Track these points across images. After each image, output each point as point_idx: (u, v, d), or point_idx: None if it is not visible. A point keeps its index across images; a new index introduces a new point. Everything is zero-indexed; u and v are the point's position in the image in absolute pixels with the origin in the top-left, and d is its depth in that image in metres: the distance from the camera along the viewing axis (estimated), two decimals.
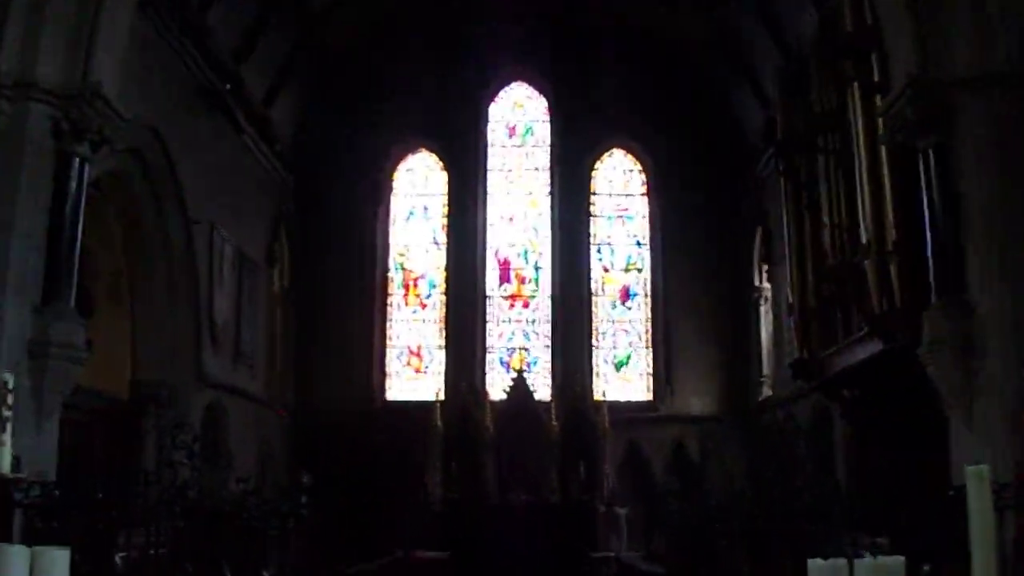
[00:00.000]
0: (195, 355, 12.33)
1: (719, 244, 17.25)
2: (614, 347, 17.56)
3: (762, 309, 16.44)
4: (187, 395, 12.01)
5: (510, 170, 18.26)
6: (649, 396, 17.34)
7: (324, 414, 16.29)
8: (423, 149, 18.13)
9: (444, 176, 18.09)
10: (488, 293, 17.73)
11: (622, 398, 17.07)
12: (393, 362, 17.50)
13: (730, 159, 16.86)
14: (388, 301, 17.65)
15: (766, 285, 16.28)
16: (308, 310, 16.91)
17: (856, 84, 9.66)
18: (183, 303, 12.15)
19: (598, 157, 18.10)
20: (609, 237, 17.95)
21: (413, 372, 17.48)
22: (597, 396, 16.58)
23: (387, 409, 16.88)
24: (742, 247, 16.88)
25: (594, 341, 17.49)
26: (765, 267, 16.06)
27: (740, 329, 16.87)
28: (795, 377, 12.05)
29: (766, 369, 16.13)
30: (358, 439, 15.94)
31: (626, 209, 18.07)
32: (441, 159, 18.07)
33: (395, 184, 18.09)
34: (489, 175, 18.12)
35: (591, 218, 17.94)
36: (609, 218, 18.00)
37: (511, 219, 18.08)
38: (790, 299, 12.44)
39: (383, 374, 17.37)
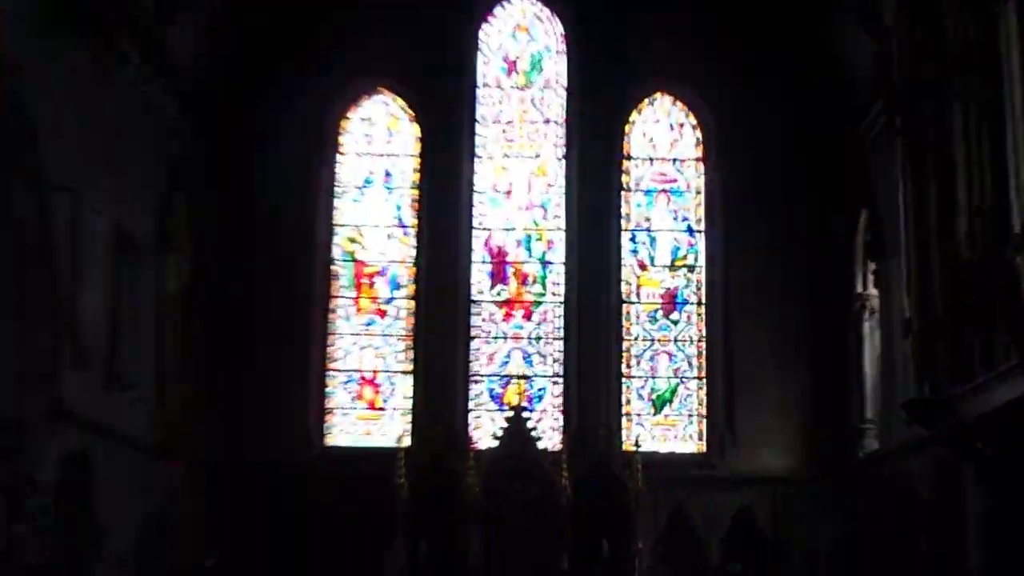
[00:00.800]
0: (50, 379, 12.09)
1: (806, 233, 17.23)
2: (653, 377, 17.52)
3: (866, 326, 16.36)
4: (37, 437, 11.75)
5: (509, 123, 18.22)
6: (702, 447, 17.32)
7: (241, 466, 16.36)
8: (384, 91, 18.09)
9: (414, 130, 18.03)
10: (475, 297, 17.70)
11: (663, 449, 17.10)
12: (338, 393, 17.48)
13: (825, 113, 16.88)
14: (332, 306, 17.61)
15: (872, 292, 16.24)
16: (219, 317, 16.85)
17: (1010, 2, 9.53)
18: (32, 304, 11.89)
19: (636, 106, 18.08)
20: (648, 221, 17.94)
21: (366, 408, 17.43)
22: (628, 446, 16.57)
23: (329, 459, 16.97)
24: (839, 238, 16.88)
25: (625, 368, 17.43)
26: (871, 266, 16.01)
27: (834, 354, 16.87)
28: (911, 422, 12.18)
29: (870, 411, 16.07)
30: (289, 502, 16.11)
31: (673, 181, 18.05)
32: (410, 105, 18.03)
33: (344, 140, 18.02)
34: (479, 130, 18.08)
35: (623, 193, 17.89)
36: (649, 193, 18.00)
37: (509, 193, 18.03)
38: (907, 312, 12.61)
39: (323, 410, 17.32)
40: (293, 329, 17.20)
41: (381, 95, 18.09)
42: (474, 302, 17.65)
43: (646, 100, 18.11)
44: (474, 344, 17.54)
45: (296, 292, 17.30)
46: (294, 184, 17.45)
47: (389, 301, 17.67)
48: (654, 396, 17.46)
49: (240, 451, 16.44)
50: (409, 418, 17.14)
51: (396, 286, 17.71)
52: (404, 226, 17.82)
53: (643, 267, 17.80)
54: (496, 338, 17.64)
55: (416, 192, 17.85)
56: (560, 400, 17.39)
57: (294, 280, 17.31)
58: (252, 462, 16.35)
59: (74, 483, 12.58)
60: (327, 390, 17.39)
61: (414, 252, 17.69)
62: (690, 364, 17.54)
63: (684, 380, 17.52)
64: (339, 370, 17.48)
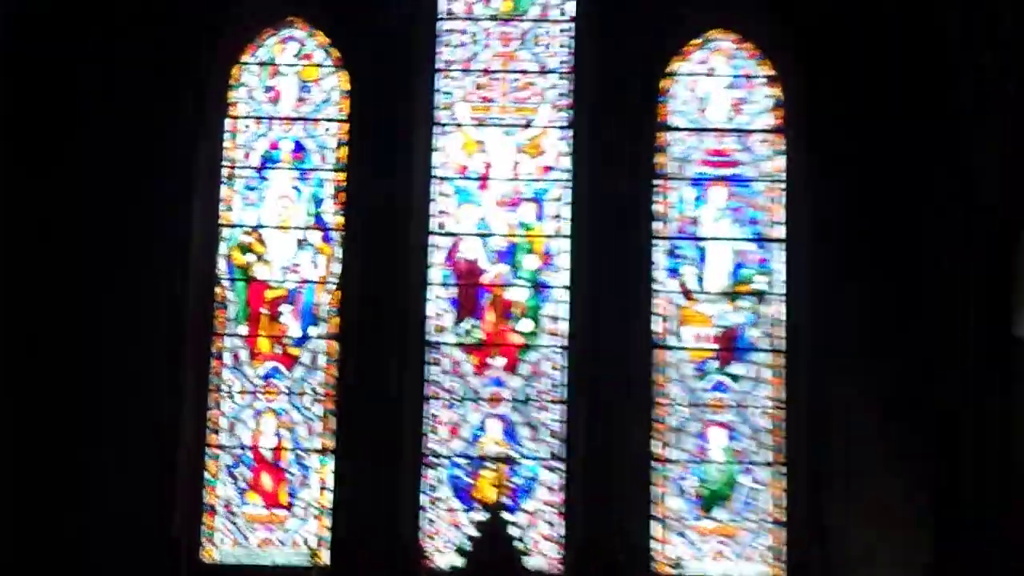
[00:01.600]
0: None
1: (941, 246, 16.69)
2: (701, 462, 17.05)
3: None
4: None
5: (485, 72, 17.90)
6: (776, 570, 16.87)
7: None
8: (296, 21, 17.89)
9: (341, 80, 17.80)
10: (432, 338, 17.39)
11: (717, 572, 16.92)
12: (223, 482, 17.10)
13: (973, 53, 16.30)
14: (215, 349, 17.24)
15: None
16: (38, 358, 16.56)
17: None
18: None
19: (677, 50, 17.80)
20: (696, 224, 17.52)
21: (263, 504, 17.02)
22: (661, 567, 16.70)
23: None
24: (994, 253, 16.11)
25: (658, 447, 17.04)
26: None
27: (983, 431, 16.07)
28: None
29: None
30: None
31: (736, 164, 17.65)
32: (335, 43, 17.81)
33: (234, 97, 17.75)
34: (439, 82, 17.85)
35: (659, 182, 17.52)
36: (699, 183, 17.60)
37: (484, 180, 17.66)
38: None
39: (198, 509, 16.97)
40: (152, 385, 16.67)
41: (291, 28, 17.85)
42: (430, 345, 17.36)
43: (694, 42, 17.74)
44: (429, 408, 17.19)
45: (156, 328, 16.84)
46: (156, 166, 17.03)
47: (301, 342, 17.31)
48: (703, 491, 17.00)
49: (74, 568, 16.32)
50: (328, 522, 16.82)
51: (312, 320, 17.37)
52: (325, 227, 17.48)
53: (687, 294, 17.36)
54: (463, 400, 17.19)
55: (343, 176, 17.46)
56: (560, 497, 16.95)
57: (154, 309, 16.88)
58: None
59: None
60: (205, 478, 16.95)
61: (339, 268, 17.20)
62: (758, 443, 17.05)
63: (750, 468, 16.97)
64: (223, 447, 17.17)
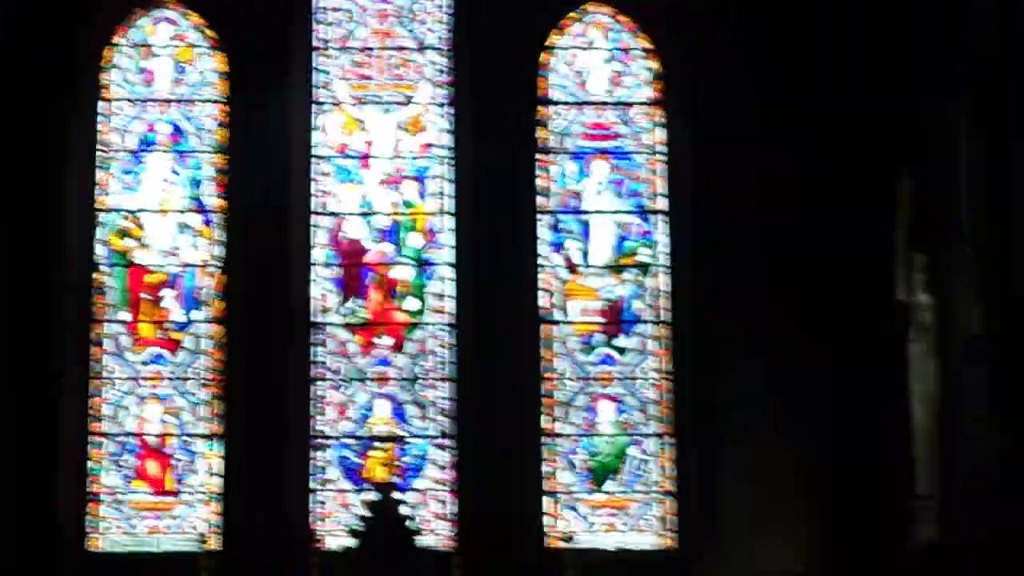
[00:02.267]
0: None
1: (818, 213, 16.85)
2: (590, 435, 17.15)
3: (912, 350, 15.91)
4: None
5: (365, 50, 17.93)
6: (668, 540, 17.00)
7: None
8: (168, 2, 17.85)
9: (217, 62, 17.72)
10: (316, 319, 17.35)
11: (609, 545, 16.96)
12: (107, 470, 16.96)
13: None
14: (94, 336, 17.12)
15: (922, 299, 15.77)
16: None
17: None
18: None
19: (557, 22, 17.86)
20: (579, 198, 17.68)
21: (150, 493, 16.91)
22: (553, 540, 16.78)
23: (94, 573, 16.88)
24: (868, 219, 16.50)
25: (547, 421, 17.08)
26: (921, 259, 15.58)
27: (864, 395, 16.49)
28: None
29: (922, 481, 15.56)
30: None
31: (616, 136, 17.74)
32: (211, 24, 17.74)
33: (107, 79, 17.59)
34: (318, 60, 17.82)
35: (540, 156, 17.63)
36: (580, 157, 17.74)
37: (366, 159, 17.72)
38: (975, 327, 13.02)
39: (82, 497, 16.80)
40: (33, 373, 16.55)
41: (163, 9, 17.72)
42: (315, 325, 17.31)
43: (573, 12, 17.80)
44: (316, 390, 17.18)
45: (35, 315, 16.68)
46: (30, 151, 16.81)
47: (184, 327, 17.24)
48: (593, 464, 17.07)
49: None
50: (218, 507, 16.75)
51: (194, 304, 17.30)
52: (205, 210, 17.38)
53: (572, 268, 17.49)
54: (350, 380, 17.22)
55: (222, 158, 17.42)
56: (450, 474, 17.01)
57: (32, 296, 16.68)
58: None
59: None
60: (89, 466, 16.79)
61: (221, 251, 17.18)
62: (646, 415, 17.16)
63: (638, 440, 17.09)
64: (107, 434, 16.95)
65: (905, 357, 16.02)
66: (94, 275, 17.06)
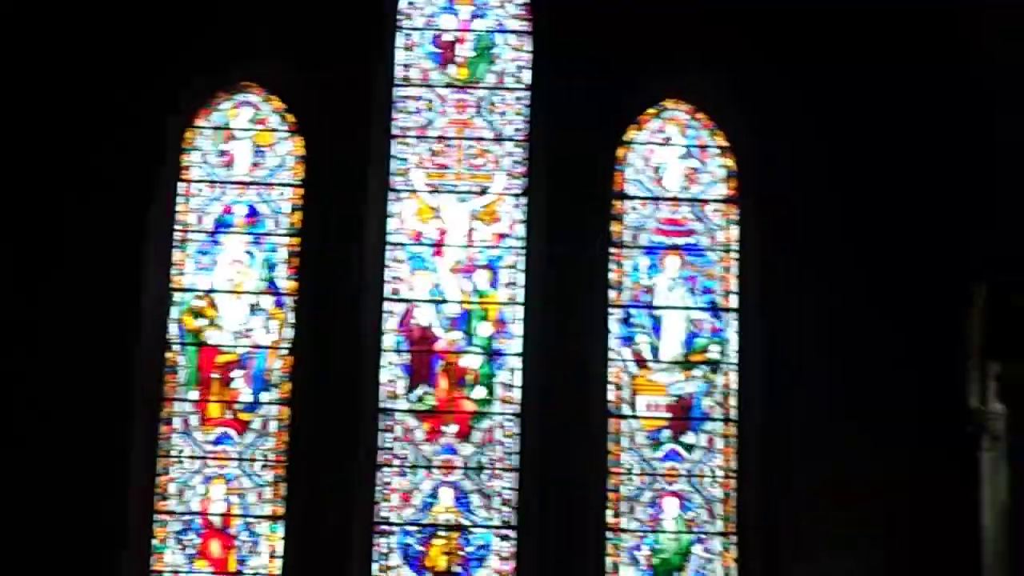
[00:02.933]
0: None
1: (893, 317, 16.76)
2: (655, 532, 16.96)
3: (984, 459, 15.71)
4: None
5: (440, 139, 17.82)
6: None
7: None
8: (250, 86, 17.76)
9: (295, 146, 17.68)
10: (384, 404, 17.15)
11: None
12: (171, 549, 16.86)
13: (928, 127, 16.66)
14: (165, 414, 17.04)
15: (996, 408, 15.43)
16: None
17: None
18: None
19: (635, 118, 17.76)
20: (651, 293, 17.53)
21: (211, 573, 16.83)
22: None
23: None
24: (944, 325, 16.36)
25: (611, 516, 16.90)
26: (994, 367, 15.29)
27: (935, 505, 16.23)
28: None
29: None
30: None
31: (690, 233, 17.61)
32: (289, 108, 17.69)
33: (187, 161, 17.63)
34: (395, 148, 17.71)
35: (614, 250, 17.53)
36: (653, 252, 17.58)
37: (439, 247, 17.60)
38: None
39: (147, 574, 16.74)
40: (101, 450, 16.45)
41: (246, 93, 17.76)
42: (383, 411, 17.08)
43: (651, 109, 17.74)
44: (382, 476, 16.97)
45: (106, 392, 16.60)
46: (108, 230, 16.88)
47: (252, 408, 17.08)
48: (656, 561, 16.85)
49: None
50: None
51: (264, 385, 17.14)
52: (278, 293, 17.28)
53: (642, 363, 17.27)
54: (415, 467, 17.02)
55: (296, 241, 17.34)
56: (512, 565, 16.79)
57: (103, 374, 16.62)
58: None
59: None
60: (153, 544, 16.72)
61: (292, 333, 17.12)
62: (712, 514, 16.95)
63: (703, 538, 16.89)
64: (172, 511, 16.83)
65: (977, 466, 15.81)
66: (167, 354, 17.00)
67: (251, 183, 17.50)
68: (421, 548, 16.76)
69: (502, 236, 17.44)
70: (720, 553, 16.76)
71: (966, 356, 15.95)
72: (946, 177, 16.61)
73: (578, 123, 17.30)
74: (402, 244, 17.36)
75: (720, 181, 17.58)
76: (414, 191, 17.54)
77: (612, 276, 17.27)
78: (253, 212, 17.42)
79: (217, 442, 16.90)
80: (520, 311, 17.19)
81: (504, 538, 16.78)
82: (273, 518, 16.67)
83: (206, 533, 16.75)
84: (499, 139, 17.68)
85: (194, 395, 16.99)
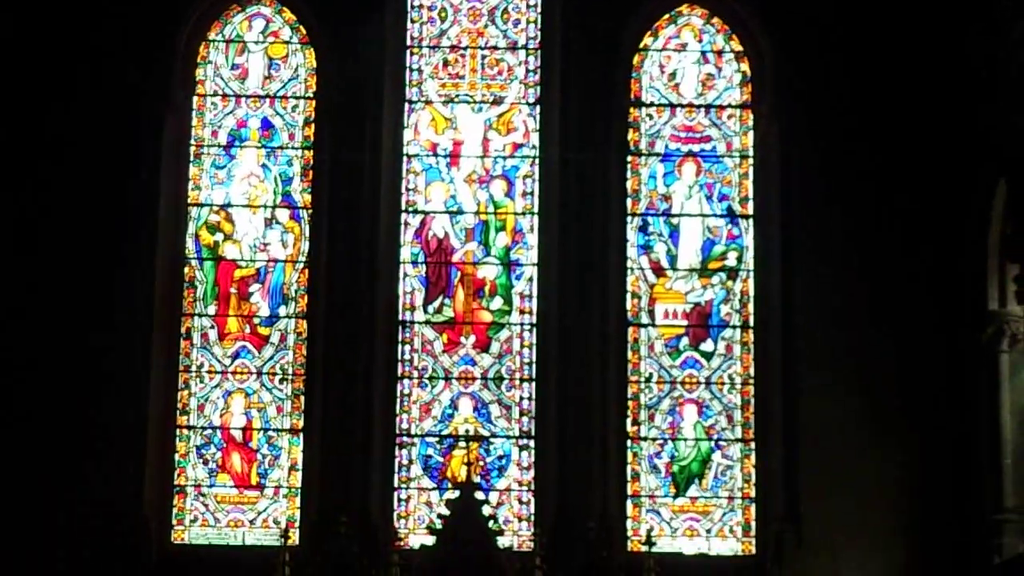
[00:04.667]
0: None
1: (909, 221, 16.81)
2: (673, 439, 17.06)
3: (1004, 361, 15.81)
4: None
5: (454, 48, 17.86)
6: (749, 547, 16.88)
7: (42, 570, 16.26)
8: None
9: (308, 58, 17.78)
10: (403, 317, 17.30)
11: (690, 550, 16.93)
12: (193, 464, 17.05)
13: (937, 33, 16.56)
14: (183, 330, 17.22)
15: (1015, 310, 15.68)
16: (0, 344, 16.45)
17: None
18: None
19: (649, 24, 17.84)
20: (668, 200, 17.57)
21: (234, 487, 16.96)
22: (635, 544, 16.64)
23: (178, 565, 16.81)
24: (962, 228, 16.38)
25: (631, 425, 17.02)
26: (1013, 271, 15.49)
27: (953, 406, 16.44)
28: None
29: (1011, 495, 15.46)
30: None
31: (707, 139, 17.67)
32: (301, 20, 17.92)
33: (201, 75, 17.75)
34: (409, 59, 17.77)
35: (630, 158, 17.53)
36: (669, 159, 17.59)
37: (455, 158, 17.64)
38: None
39: (168, 490, 16.92)
40: (118, 366, 16.63)
41: (258, 5, 17.92)
42: (402, 324, 17.34)
43: (666, 16, 17.73)
44: (401, 388, 17.12)
45: (122, 308, 16.77)
46: (124, 146, 16.91)
47: (270, 321, 17.23)
48: (676, 468, 16.98)
49: (40, 546, 16.14)
50: (298, 501, 16.86)
51: (281, 299, 17.33)
52: (294, 206, 17.50)
53: (659, 272, 17.38)
54: (434, 379, 17.20)
55: (311, 154, 17.45)
56: (531, 474, 16.96)
57: (122, 289, 16.78)
58: (61, 561, 16.16)
59: None
60: (175, 459, 16.88)
61: (308, 246, 17.21)
62: (731, 420, 17.07)
63: (722, 445, 17.01)
64: (192, 427, 16.99)
65: (996, 368, 15.87)
66: (184, 269, 17.10)
67: (264, 96, 17.56)
68: (441, 459, 16.90)
69: (517, 146, 17.48)
70: (739, 459, 16.85)
71: (985, 259, 15.96)
72: (965, 83, 16.38)
73: (592, 31, 17.26)
74: (417, 155, 17.42)
75: (736, 86, 17.58)
76: (428, 101, 17.58)
77: (629, 183, 17.29)
78: (267, 125, 17.47)
79: (236, 356, 17.01)
80: (536, 221, 17.23)
81: (524, 449, 16.90)
82: (293, 431, 16.83)
83: (227, 447, 16.90)
84: (513, 48, 17.66)
85: (212, 310, 17.11)
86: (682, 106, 17.64)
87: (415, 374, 17.17)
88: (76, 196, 16.82)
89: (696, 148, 17.51)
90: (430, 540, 15.70)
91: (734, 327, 17.22)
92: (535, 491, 16.86)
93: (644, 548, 15.67)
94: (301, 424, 16.92)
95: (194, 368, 17.11)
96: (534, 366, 17.09)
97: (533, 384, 17.06)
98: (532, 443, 16.99)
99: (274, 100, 17.64)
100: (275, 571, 15.08)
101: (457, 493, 15.87)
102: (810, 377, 16.77)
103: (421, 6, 17.83)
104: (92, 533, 16.15)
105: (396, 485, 16.95)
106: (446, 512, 15.71)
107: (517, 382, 17.13)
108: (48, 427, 16.34)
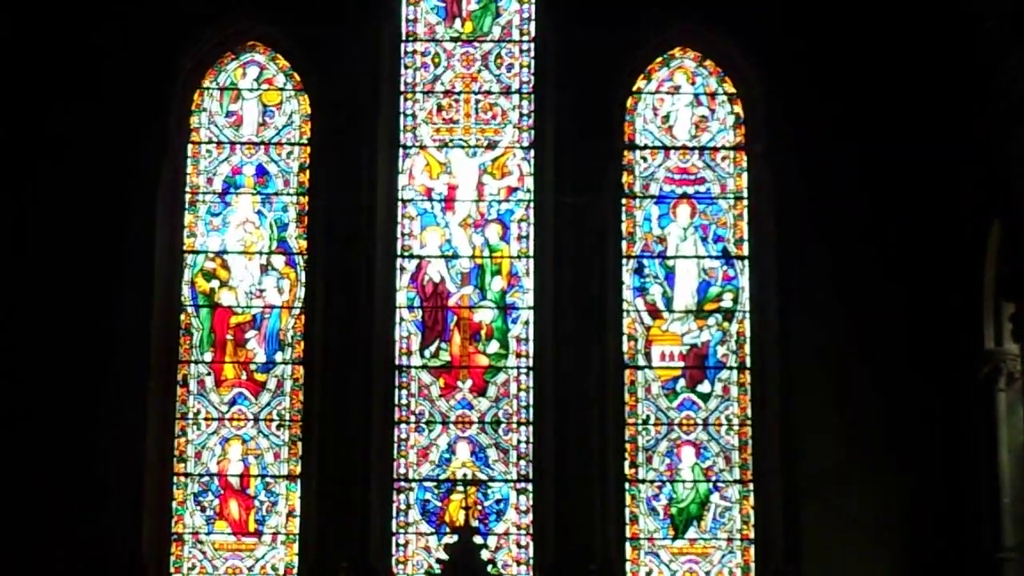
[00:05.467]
0: None
1: (905, 261, 16.77)
2: (672, 481, 16.96)
3: (1001, 400, 15.79)
4: None
5: (448, 93, 17.85)
6: None
7: None
8: (257, 45, 17.88)
9: (302, 104, 17.77)
10: (400, 361, 17.21)
11: None
12: (190, 511, 16.96)
13: (936, 69, 16.53)
14: (180, 377, 17.14)
15: (1010, 348, 15.59)
16: None
17: None
18: None
19: (643, 67, 17.77)
20: (663, 243, 17.53)
21: (230, 533, 16.83)
22: None
23: None
24: (958, 268, 16.37)
25: (629, 467, 16.95)
26: (1010, 310, 15.18)
27: (950, 446, 16.38)
28: None
29: (1010, 534, 15.42)
30: None
31: (701, 181, 17.60)
32: (295, 67, 17.82)
33: (196, 122, 17.67)
34: (403, 104, 17.78)
35: (625, 200, 17.51)
36: (664, 202, 17.56)
37: (449, 203, 17.62)
38: None
39: (166, 536, 16.80)
40: (117, 412, 16.54)
41: (252, 52, 17.86)
42: (399, 368, 17.19)
43: (659, 59, 17.71)
44: (399, 433, 17.01)
45: (121, 355, 16.68)
46: (119, 194, 16.92)
47: (267, 368, 17.15)
48: (674, 511, 16.86)
49: None
50: (297, 548, 16.74)
51: (278, 345, 17.24)
52: (289, 252, 17.40)
53: (655, 314, 17.29)
54: (431, 423, 17.05)
55: (306, 200, 17.42)
56: (529, 518, 16.83)
57: (118, 337, 16.73)
58: None
59: None
60: (171, 505, 16.78)
61: (304, 292, 17.16)
62: (729, 462, 16.96)
63: (720, 487, 16.91)
64: (189, 475, 16.93)
65: (994, 406, 15.81)
66: (180, 316, 17.03)
67: (259, 143, 17.51)
68: (439, 503, 16.77)
69: (512, 190, 17.42)
70: (738, 501, 16.76)
71: (981, 298, 15.92)
72: (959, 126, 16.28)
73: (585, 74, 17.23)
74: (412, 200, 17.35)
75: (729, 128, 17.53)
76: (423, 147, 17.53)
77: (625, 226, 17.24)
78: (262, 172, 17.41)
79: (233, 403, 16.91)
80: (532, 264, 17.17)
81: (522, 493, 16.78)
82: (291, 477, 16.71)
83: (224, 494, 16.78)
84: (507, 92, 17.64)
85: (208, 357, 17.02)
86: (676, 148, 17.53)
87: (412, 419, 16.99)
88: (71, 248, 16.67)
89: (690, 190, 17.42)
90: None
91: (731, 368, 17.08)
92: (533, 534, 16.66)
93: None
94: (299, 470, 16.74)
95: (191, 415, 16.93)
96: (531, 409, 16.94)
97: (530, 427, 16.91)
98: (530, 486, 16.79)
99: (268, 147, 17.51)
100: None
101: (456, 538, 15.80)
102: (808, 417, 16.65)
103: (415, 52, 17.75)
104: None
105: (394, 530, 16.71)
106: (444, 557, 15.68)
107: (515, 425, 16.98)
108: (45, 474, 16.12)
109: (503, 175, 17.49)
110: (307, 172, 17.38)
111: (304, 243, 17.22)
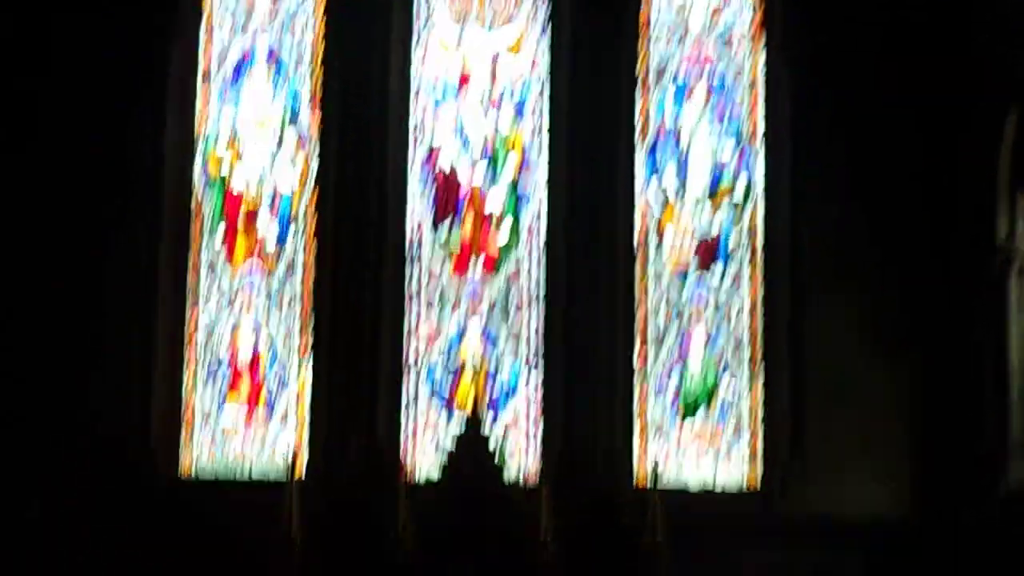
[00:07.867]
0: None
1: (918, 150, 16.77)
2: (680, 366, 17.01)
3: (1011, 291, 15.81)
4: None
5: None
6: (754, 477, 16.96)
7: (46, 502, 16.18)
8: None
9: None
10: (411, 239, 17.29)
11: (696, 480, 16.93)
12: (201, 391, 17.08)
13: None
14: (193, 257, 17.22)
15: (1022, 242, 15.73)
16: (9, 275, 16.47)
17: None
18: None
19: None
20: (677, 129, 17.48)
21: (240, 413, 17.04)
22: (642, 475, 16.52)
23: (183, 493, 16.83)
24: (970, 157, 16.30)
25: (638, 353, 17.05)
26: (1022, 199, 15.54)
27: (959, 337, 16.40)
28: None
29: (1017, 425, 15.56)
30: (117, 555, 15.88)
31: (715, 67, 17.57)
32: None
33: (207, 3, 17.59)
34: None
35: (639, 85, 17.48)
36: (679, 88, 17.50)
37: (463, 83, 17.57)
38: None
39: (175, 418, 16.96)
40: (127, 294, 16.69)
41: None
42: (411, 246, 17.25)
43: None
44: (410, 312, 17.15)
45: (130, 238, 16.77)
46: (130, 75, 16.83)
47: (279, 245, 17.23)
48: (682, 396, 17.02)
49: (41, 474, 16.14)
50: (306, 430, 16.80)
51: (289, 224, 17.26)
52: (300, 133, 17.36)
53: (668, 200, 17.25)
54: (442, 303, 17.23)
55: (318, 77, 17.37)
56: (539, 403, 16.96)
57: (128, 218, 16.78)
58: (73, 490, 16.13)
59: None
60: (183, 386, 16.96)
61: (316, 174, 17.21)
62: (738, 348, 17.08)
63: (728, 372, 17.06)
64: (200, 355, 17.06)
65: (1004, 298, 15.89)
66: (190, 196, 17.09)
67: (271, 23, 17.38)
68: (450, 385, 16.95)
69: (527, 71, 17.38)
70: (747, 387, 16.93)
71: (994, 189, 15.95)
72: (980, 11, 16.26)
73: None
74: (425, 81, 17.33)
75: (747, 15, 17.46)
76: (436, 26, 17.47)
77: (639, 111, 17.25)
78: (273, 57, 17.37)
79: (244, 280, 17.04)
80: (546, 148, 17.22)
81: (532, 377, 16.94)
82: (301, 357, 16.86)
83: (234, 375, 16.98)
84: None
85: (219, 238, 17.13)
86: (692, 32, 17.45)
87: (422, 300, 17.09)
88: (84, 126, 16.59)
89: (708, 78, 17.39)
90: (437, 471, 15.88)
91: (742, 255, 17.15)
92: (542, 419, 16.77)
93: (650, 478, 15.60)
94: (311, 346, 16.84)
95: (203, 293, 17.04)
96: (542, 294, 17.02)
97: (541, 311, 17.00)
98: (540, 369, 16.90)
99: (281, 26, 17.39)
100: (283, 502, 14.94)
101: (464, 424, 15.91)
102: (817, 305, 16.74)
103: None
104: (104, 462, 16.13)
105: (403, 412, 16.83)
106: (452, 448, 15.76)
107: (526, 309, 17.06)
108: (54, 357, 16.28)
109: (518, 56, 17.41)
110: (320, 52, 17.23)
111: (317, 124, 17.11)
